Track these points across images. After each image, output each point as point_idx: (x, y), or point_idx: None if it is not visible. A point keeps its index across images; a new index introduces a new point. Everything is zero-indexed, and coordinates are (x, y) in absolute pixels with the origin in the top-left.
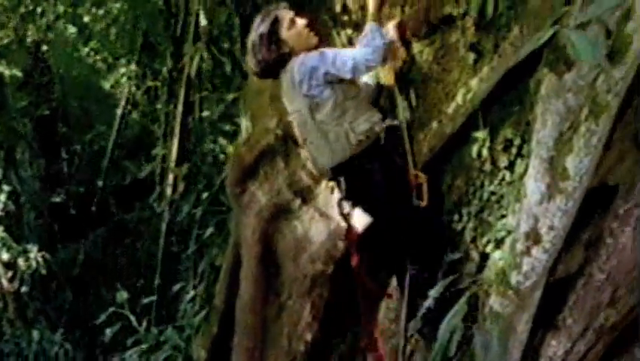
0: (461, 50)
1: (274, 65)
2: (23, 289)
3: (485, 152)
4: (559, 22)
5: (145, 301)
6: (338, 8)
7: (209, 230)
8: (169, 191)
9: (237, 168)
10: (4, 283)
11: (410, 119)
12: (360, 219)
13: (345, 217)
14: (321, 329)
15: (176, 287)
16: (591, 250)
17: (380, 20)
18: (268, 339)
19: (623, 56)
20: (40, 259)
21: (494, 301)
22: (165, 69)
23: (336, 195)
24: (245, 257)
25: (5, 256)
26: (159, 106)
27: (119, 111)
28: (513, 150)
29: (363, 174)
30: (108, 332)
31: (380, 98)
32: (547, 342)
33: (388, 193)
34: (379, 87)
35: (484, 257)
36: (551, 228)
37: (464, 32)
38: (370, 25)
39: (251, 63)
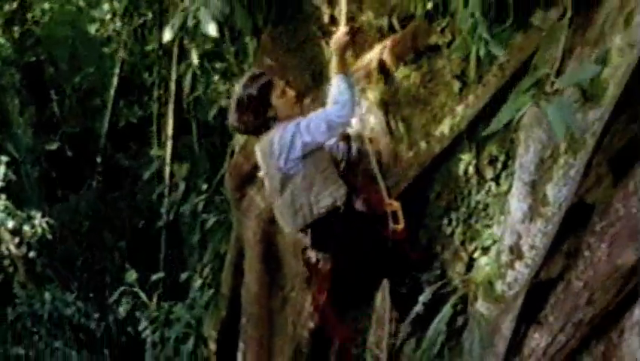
0: (446, 75)
1: (257, 127)
2: (31, 254)
3: (471, 169)
4: (539, 84)
5: (154, 278)
6: (326, 19)
7: (211, 220)
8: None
9: (235, 175)
10: (12, 248)
11: (395, 141)
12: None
13: (310, 264)
14: (322, 317)
15: (184, 275)
16: (571, 260)
17: (345, 68)
18: (274, 327)
19: (599, 99)
20: (44, 225)
21: (481, 305)
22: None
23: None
24: (248, 254)
25: (11, 224)
26: (149, 47)
27: (106, 50)
28: (499, 165)
29: (327, 227)
30: (122, 310)
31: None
32: (530, 336)
33: (355, 235)
34: (349, 154)
35: (472, 260)
36: (532, 247)
37: (450, 61)
38: (336, 78)
39: (232, 119)
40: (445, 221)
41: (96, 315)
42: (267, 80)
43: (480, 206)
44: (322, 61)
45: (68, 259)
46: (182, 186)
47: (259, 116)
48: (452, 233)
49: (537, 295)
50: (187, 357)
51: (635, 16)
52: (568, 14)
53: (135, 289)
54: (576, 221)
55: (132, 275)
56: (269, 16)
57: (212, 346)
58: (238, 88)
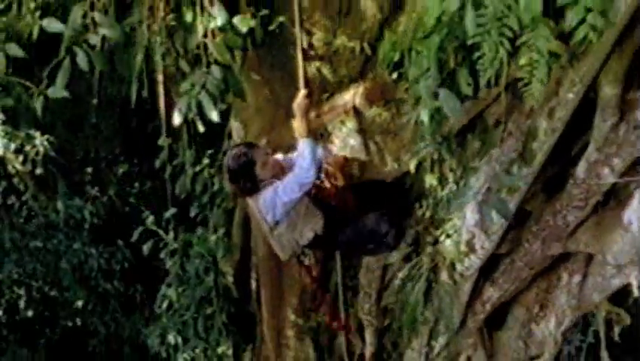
0: (412, 113)
1: (249, 191)
2: (38, 170)
3: (435, 182)
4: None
5: (167, 215)
6: (305, 44)
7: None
8: None
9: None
10: (18, 166)
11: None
12: None
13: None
14: (322, 268)
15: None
16: (515, 246)
17: (307, 130)
18: (283, 273)
19: (531, 161)
20: (45, 143)
21: (446, 278)
22: None
23: None
24: (254, 223)
25: (12, 146)
26: None
27: None
28: (458, 173)
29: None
30: (145, 248)
31: None
32: (485, 290)
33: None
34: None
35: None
36: (482, 247)
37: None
38: (300, 143)
39: (227, 186)
40: (417, 205)
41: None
42: (249, 158)
43: (444, 200)
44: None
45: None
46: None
47: (247, 184)
48: (423, 215)
49: (491, 265)
50: (210, 287)
51: (557, 111)
52: (503, 95)
53: (155, 229)
54: (517, 221)
55: (149, 218)
56: (255, 40)
57: (229, 278)
58: (226, 161)
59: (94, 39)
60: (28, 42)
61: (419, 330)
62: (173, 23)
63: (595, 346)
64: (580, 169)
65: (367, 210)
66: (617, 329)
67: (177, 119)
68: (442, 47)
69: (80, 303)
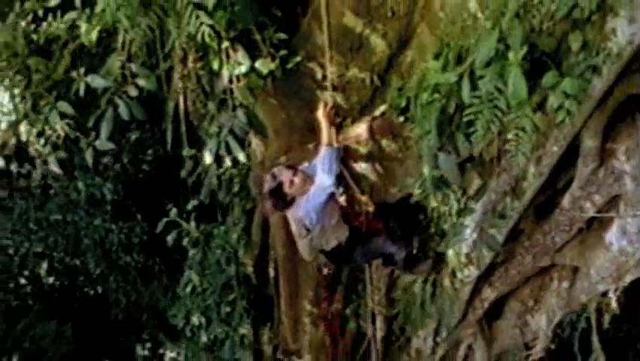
0: (414, 147)
1: (283, 207)
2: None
3: (437, 203)
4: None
5: (189, 206)
6: (319, 76)
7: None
8: None
9: (257, 183)
10: (40, 148)
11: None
12: None
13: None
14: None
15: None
16: (509, 257)
17: (331, 139)
18: (299, 268)
19: (522, 196)
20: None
21: (448, 283)
22: None
23: None
24: (272, 227)
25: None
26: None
27: None
28: (459, 194)
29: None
30: (169, 239)
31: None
32: (483, 291)
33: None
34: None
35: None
36: (480, 260)
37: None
38: (323, 150)
39: (264, 203)
40: (421, 216)
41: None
42: (276, 183)
43: (446, 214)
44: (316, 104)
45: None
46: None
47: (278, 203)
48: (427, 227)
49: (488, 271)
50: (231, 275)
51: (543, 160)
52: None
53: (177, 220)
54: (511, 237)
55: (172, 211)
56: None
57: (249, 268)
58: (265, 183)
59: (133, 91)
60: (75, 96)
61: (425, 322)
62: (201, 72)
63: (588, 331)
64: (566, 201)
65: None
66: (607, 317)
67: (208, 159)
68: (443, 112)
69: (101, 275)
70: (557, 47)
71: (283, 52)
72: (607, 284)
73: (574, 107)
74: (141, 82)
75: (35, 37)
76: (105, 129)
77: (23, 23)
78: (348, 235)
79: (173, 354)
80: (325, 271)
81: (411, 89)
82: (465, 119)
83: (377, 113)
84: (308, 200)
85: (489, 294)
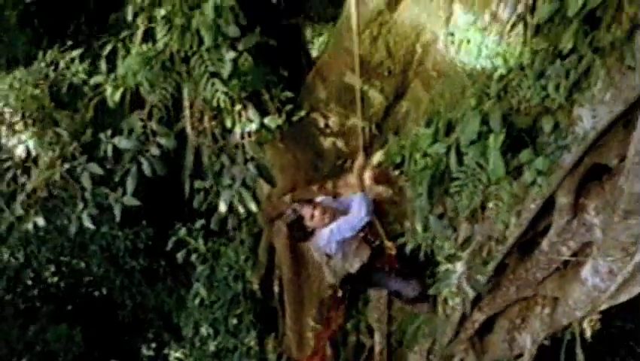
0: (407, 191)
1: (304, 238)
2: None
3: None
4: None
5: (197, 225)
6: (322, 125)
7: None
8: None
9: (266, 213)
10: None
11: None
12: None
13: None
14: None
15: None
16: (495, 288)
17: (363, 187)
18: (303, 290)
19: (505, 242)
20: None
21: (441, 310)
22: None
23: None
24: (278, 252)
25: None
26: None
27: None
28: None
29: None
30: (179, 256)
31: None
32: (474, 314)
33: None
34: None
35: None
36: (465, 295)
37: None
38: (357, 196)
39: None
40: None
41: None
42: (297, 216)
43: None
44: (320, 148)
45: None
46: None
47: (299, 234)
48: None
49: (477, 298)
50: (238, 292)
51: (523, 213)
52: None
53: (187, 238)
54: (497, 271)
55: (181, 231)
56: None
57: (255, 286)
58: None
59: (155, 150)
60: (103, 155)
61: (419, 340)
62: (216, 129)
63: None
64: (544, 245)
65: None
66: (589, 332)
67: (222, 208)
68: (433, 178)
69: (107, 278)
70: (533, 125)
71: (289, 106)
72: (584, 312)
73: (544, 182)
74: (161, 140)
75: (60, 89)
76: (130, 186)
77: (47, 73)
78: (370, 253)
79: (178, 354)
80: (329, 292)
81: (406, 149)
82: (452, 190)
83: (375, 161)
84: (333, 233)
85: (478, 316)
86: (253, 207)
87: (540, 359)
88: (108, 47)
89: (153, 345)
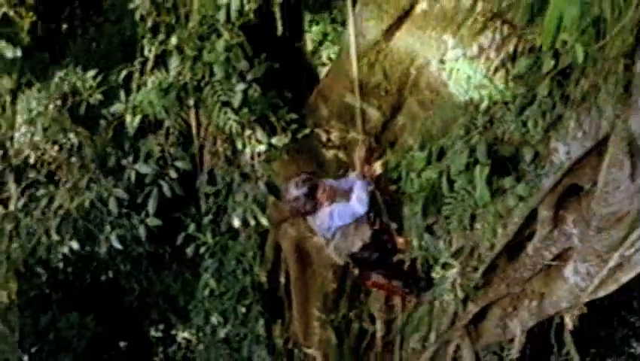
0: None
1: (307, 212)
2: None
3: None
4: None
5: (205, 220)
6: (324, 139)
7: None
8: None
9: (272, 217)
10: (54, 154)
11: None
12: None
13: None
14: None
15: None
16: (487, 285)
17: (364, 174)
18: (309, 284)
19: (494, 247)
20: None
21: (437, 303)
22: None
23: None
24: (284, 252)
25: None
26: None
27: None
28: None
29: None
30: (189, 251)
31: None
32: (467, 306)
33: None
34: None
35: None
36: (461, 289)
37: None
38: (359, 182)
39: (290, 207)
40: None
41: None
42: (313, 184)
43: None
44: (322, 158)
45: None
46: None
47: (307, 206)
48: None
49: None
50: (246, 285)
51: (508, 226)
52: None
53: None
54: (487, 271)
55: (191, 226)
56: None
57: (263, 278)
58: (291, 188)
59: (173, 174)
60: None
61: (418, 328)
62: (228, 151)
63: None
64: (529, 250)
65: None
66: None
67: (236, 223)
68: (427, 200)
69: (114, 264)
70: (515, 153)
71: (294, 126)
72: (568, 303)
73: (525, 208)
74: (178, 164)
75: (78, 110)
76: (152, 207)
77: (64, 91)
78: (370, 233)
79: (185, 334)
80: (333, 285)
81: (402, 167)
82: (444, 212)
83: (374, 174)
84: (332, 217)
85: (472, 308)
86: (264, 221)
87: (531, 338)
88: (124, 73)
89: (161, 327)
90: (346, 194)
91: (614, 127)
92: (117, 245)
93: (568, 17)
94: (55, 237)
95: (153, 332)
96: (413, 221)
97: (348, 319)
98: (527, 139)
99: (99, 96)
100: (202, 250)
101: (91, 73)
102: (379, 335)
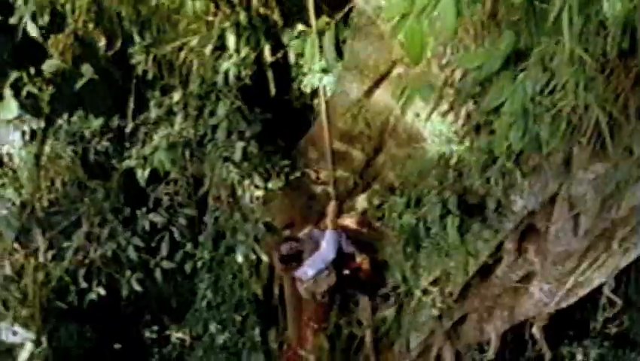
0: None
1: (294, 269)
2: None
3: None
4: None
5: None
6: (313, 177)
7: None
8: None
9: (267, 244)
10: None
11: None
12: None
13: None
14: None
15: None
16: (463, 300)
17: (333, 226)
18: (303, 300)
19: (467, 272)
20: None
21: (422, 316)
22: None
23: None
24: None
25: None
26: None
27: None
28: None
29: None
30: (187, 267)
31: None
32: (444, 317)
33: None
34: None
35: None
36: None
37: None
38: (328, 233)
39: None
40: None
41: None
42: (300, 250)
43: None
44: (312, 193)
45: None
46: None
47: (293, 265)
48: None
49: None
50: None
51: (480, 257)
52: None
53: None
54: (463, 289)
55: (188, 245)
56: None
57: (259, 291)
58: (281, 250)
59: (183, 221)
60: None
61: (401, 334)
62: (230, 198)
63: None
64: (498, 272)
65: None
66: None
67: (240, 259)
68: (407, 243)
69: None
70: (481, 202)
71: (287, 170)
72: (535, 314)
73: (487, 250)
74: (186, 211)
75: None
76: (165, 250)
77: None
78: (334, 281)
79: (179, 335)
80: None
81: (386, 208)
82: (421, 254)
83: (359, 208)
84: (310, 265)
85: (449, 320)
86: (264, 257)
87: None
88: (130, 126)
89: (155, 328)
90: (317, 246)
91: (560, 190)
92: (137, 288)
93: (514, 138)
94: (83, 284)
95: (147, 334)
96: (395, 259)
97: (338, 325)
98: (490, 193)
99: (106, 143)
100: (199, 264)
101: (96, 122)
102: (367, 339)
